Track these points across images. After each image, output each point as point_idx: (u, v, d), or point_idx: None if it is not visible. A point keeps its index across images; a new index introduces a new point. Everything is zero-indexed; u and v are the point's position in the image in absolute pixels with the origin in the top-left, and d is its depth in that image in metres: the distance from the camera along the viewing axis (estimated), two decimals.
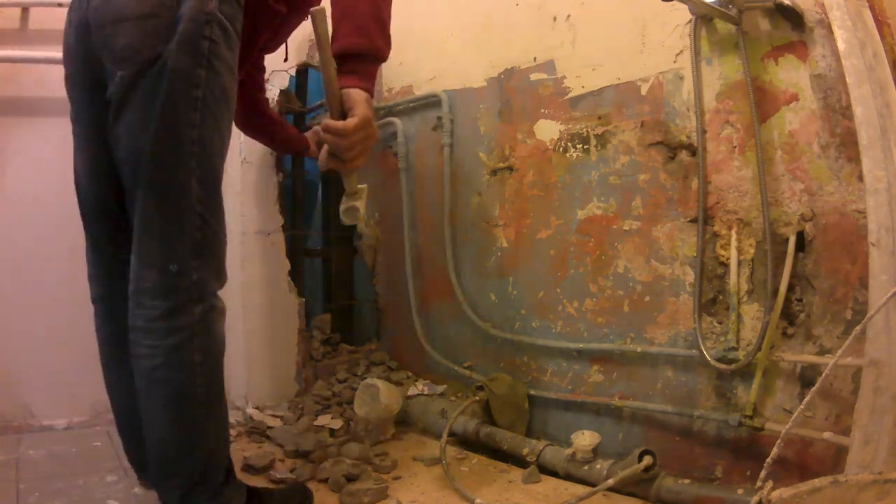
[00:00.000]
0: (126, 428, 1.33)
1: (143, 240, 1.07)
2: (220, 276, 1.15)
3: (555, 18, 1.79)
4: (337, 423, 1.87)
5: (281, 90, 2.16)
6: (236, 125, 1.34)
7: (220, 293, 1.18)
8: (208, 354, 1.12)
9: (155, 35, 1.01)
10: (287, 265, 2.16)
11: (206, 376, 1.12)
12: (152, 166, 1.04)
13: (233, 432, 1.87)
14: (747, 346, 1.41)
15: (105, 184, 1.16)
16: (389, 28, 1.20)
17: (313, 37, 2.24)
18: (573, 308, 1.75)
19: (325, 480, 1.51)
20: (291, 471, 1.57)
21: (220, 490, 1.18)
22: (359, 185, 1.27)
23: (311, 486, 1.51)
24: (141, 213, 1.06)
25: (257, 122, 1.68)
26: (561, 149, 1.78)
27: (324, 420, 1.90)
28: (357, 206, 1.24)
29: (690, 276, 1.51)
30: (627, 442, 1.61)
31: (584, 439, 1.51)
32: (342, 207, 1.25)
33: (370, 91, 1.17)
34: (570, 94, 1.76)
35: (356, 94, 1.13)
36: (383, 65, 2.37)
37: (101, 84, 1.09)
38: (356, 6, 1.15)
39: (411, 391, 1.99)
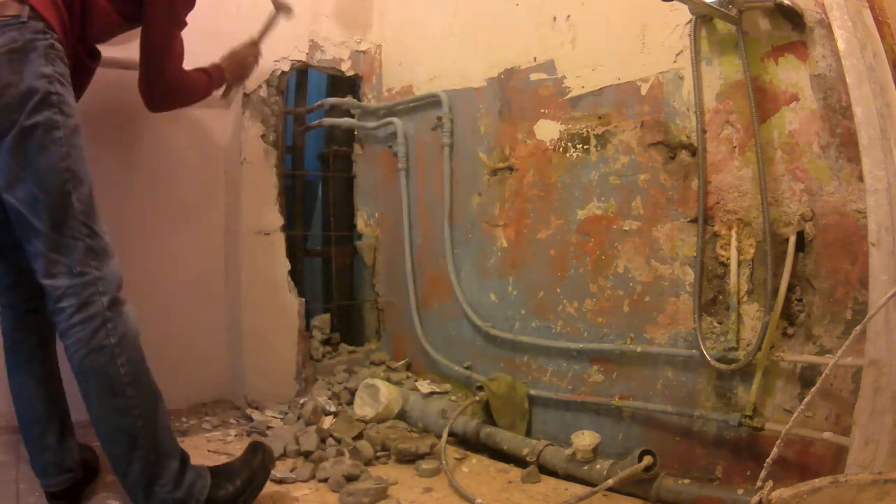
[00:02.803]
0: (28, 423, 1.44)
1: (49, 258, 1.26)
2: (114, 273, 1.32)
3: (555, 18, 1.79)
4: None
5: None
6: (150, 109, 1.67)
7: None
8: (122, 337, 1.28)
9: (8, 109, 1.22)
10: (287, 265, 2.16)
11: (124, 356, 1.27)
12: (45, 200, 1.25)
13: (233, 432, 1.87)
14: (747, 346, 1.40)
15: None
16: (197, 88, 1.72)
17: (312, 37, 2.25)
18: (573, 308, 1.75)
19: (325, 480, 1.51)
20: (291, 471, 1.57)
21: (179, 478, 1.30)
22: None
23: (311, 485, 1.51)
24: (43, 238, 1.26)
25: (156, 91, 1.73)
26: (561, 149, 1.78)
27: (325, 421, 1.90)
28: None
29: (690, 276, 1.51)
30: (627, 442, 1.61)
31: (584, 439, 1.51)
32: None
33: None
34: (570, 94, 1.76)
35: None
36: (383, 65, 2.40)
37: None
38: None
39: (423, 389, 1.99)
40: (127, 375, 1.27)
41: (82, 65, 1.47)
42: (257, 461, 1.39)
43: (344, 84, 2.41)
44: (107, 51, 1.57)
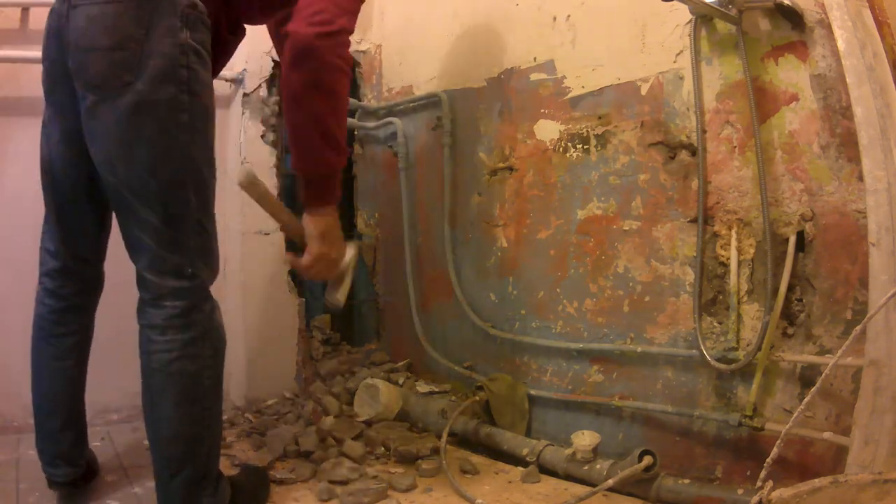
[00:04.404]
0: (48, 415, 1.38)
1: (158, 254, 1.18)
2: (216, 272, 1.28)
3: (555, 18, 1.79)
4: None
5: None
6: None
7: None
8: (216, 348, 1.25)
9: (123, 65, 1.09)
10: (287, 265, 2.16)
11: (213, 368, 1.24)
12: (157, 189, 1.15)
13: (233, 432, 1.87)
14: (747, 346, 1.40)
15: (84, 180, 1.26)
16: (340, 133, 1.34)
17: None
18: (573, 308, 1.75)
19: (326, 480, 1.51)
20: (291, 471, 1.57)
21: (216, 484, 1.27)
22: (348, 252, 1.45)
23: (311, 485, 1.51)
24: (153, 232, 1.17)
25: None
26: (561, 149, 1.78)
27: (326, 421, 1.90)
28: (338, 298, 1.45)
29: (690, 276, 1.51)
30: (627, 442, 1.61)
31: (584, 439, 1.51)
32: (326, 297, 1.47)
33: (327, 200, 1.36)
34: (570, 94, 1.76)
35: (310, 227, 1.36)
36: (383, 65, 2.40)
37: (75, 92, 1.17)
38: (300, 128, 1.31)
39: (423, 389, 1.99)
40: (210, 387, 1.24)
41: (220, 37, 1.28)
42: (257, 480, 1.44)
43: None
44: None
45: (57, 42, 1.17)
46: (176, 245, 1.18)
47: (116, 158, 1.14)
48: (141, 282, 1.21)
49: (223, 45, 1.32)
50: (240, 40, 1.42)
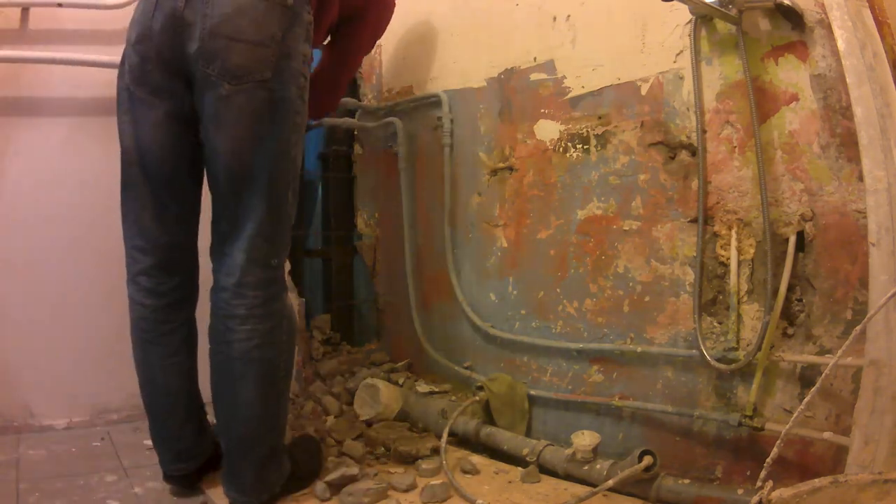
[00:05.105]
0: (168, 414, 1.42)
1: (254, 241, 1.24)
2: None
3: (555, 18, 1.79)
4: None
5: None
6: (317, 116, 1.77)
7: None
8: (290, 334, 1.35)
9: (264, 61, 1.17)
10: (287, 265, 2.15)
11: (289, 353, 1.35)
12: (268, 181, 1.22)
13: None
14: (747, 346, 1.40)
15: (183, 161, 1.29)
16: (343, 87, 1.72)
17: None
18: (573, 308, 1.75)
19: (326, 481, 1.51)
20: None
21: (281, 460, 1.38)
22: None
23: (311, 485, 1.51)
24: (254, 219, 1.23)
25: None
26: (561, 149, 1.78)
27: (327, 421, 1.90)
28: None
29: (690, 276, 1.51)
30: (627, 442, 1.61)
31: (584, 439, 1.51)
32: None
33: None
34: (570, 94, 1.76)
35: None
36: (383, 65, 2.40)
37: (182, 73, 1.22)
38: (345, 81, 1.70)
39: (423, 389, 1.99)
40: (285, 371, 1.34)
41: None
42: (313, 449, 1.55)
43: None
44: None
45: (169, 25, 1.18)
46: (272, 236, 1.27)
47: (246, 147, 1.19)
48: (226, 267, 1.26)
49: None
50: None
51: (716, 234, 1.47)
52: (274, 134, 1.21)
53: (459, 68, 2.07)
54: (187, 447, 1.44)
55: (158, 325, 1.37)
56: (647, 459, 1.37)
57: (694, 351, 1.46)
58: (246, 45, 1.15)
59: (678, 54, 1.53)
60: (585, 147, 1.72)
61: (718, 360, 1.42)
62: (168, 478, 1.45)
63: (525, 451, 1.63)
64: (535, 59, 1.84)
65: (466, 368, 2.01)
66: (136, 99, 1.28)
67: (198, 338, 1.45)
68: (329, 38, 1.63)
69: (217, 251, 1.28)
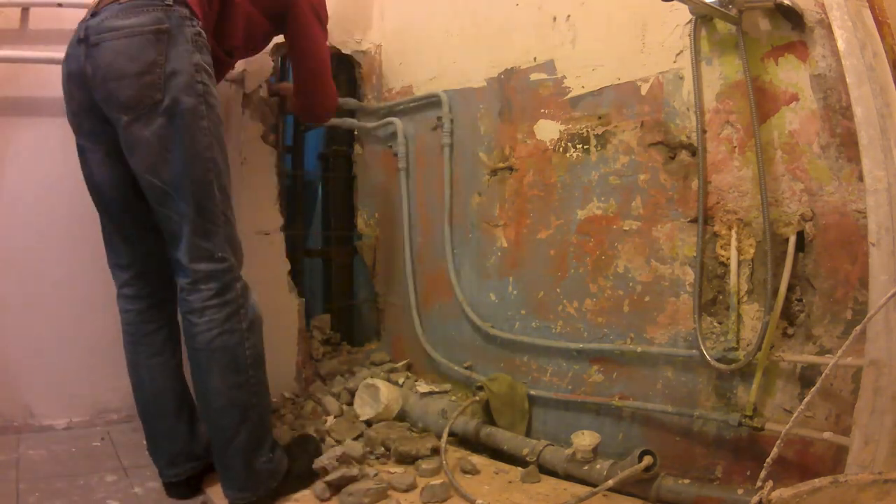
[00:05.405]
0: (157, 416, 1.50)
1: (192, 241, 1.34)
2: (241, 259, 1.46)
3: (555, 18, 1.79)
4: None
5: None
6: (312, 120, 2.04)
7: None
8: (251, 322, 1.40)
9: (152, 86, 1.28)
10: (287, 265, 2.16)
11: (251, 340, 1.39)
12: (190, 186, 1.33)
13: None
14: (747, 346, 1.40)
15: (131, 191, 1.42)
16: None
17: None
18: (573, 308, 1.75)
19: (326, 481, 1.51)
20: None
21: (272, 451, 1.42)
22: None
23: (311, 485, 1.51)
24: (188, 222, 1.33)
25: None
26: (561, 149, 1.78)
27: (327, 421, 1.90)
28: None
29: (690, 276, 1.51)
30: (627, 442, 1.61)
31: (584, 439, 1.51)
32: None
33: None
34: (570, 94, 1.75)
35: None
36: (383, 65, 2.40)
37: (105, 117, 1.35)
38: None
39: (423, 389, 1.99)
40: (250, 357, 1.39)
41: (217, 58, 1.50)
42: (312, 448, 1.57)
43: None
44: None
45: (79, 81, 1.35)
46: (207, 233, 1.35)
47: (158, 163, 1.31)
48: (180, 270, 1.37)
49: (221, 64, 1.56)
50: (235, 60, 1.68)
51: (716, 234, 1.47)
52: (181, 144, 1.31)
53: (459, 68, 2.07)
54: (180, 450, 1.48)
55: (142, 325, 1.50)
56: (647, 459, 1.37)
57: (694, 351, 1.46)
58: (130, 79, 1.28)
59: (678, 54, 1.53)
60: (585, 147, 1.72)
61: (718, 360, 1.42)
62: (167, 486, 1.49)
63: (525, 451, 1.63)
64: (535, 59, 1.84)
65: (466, 368, 2.01)
66: (80, 145, 1.45)
67: (181, 338, 1.49)
68: (286, 45, 1.76)
69: (172, 258, 1.39)
